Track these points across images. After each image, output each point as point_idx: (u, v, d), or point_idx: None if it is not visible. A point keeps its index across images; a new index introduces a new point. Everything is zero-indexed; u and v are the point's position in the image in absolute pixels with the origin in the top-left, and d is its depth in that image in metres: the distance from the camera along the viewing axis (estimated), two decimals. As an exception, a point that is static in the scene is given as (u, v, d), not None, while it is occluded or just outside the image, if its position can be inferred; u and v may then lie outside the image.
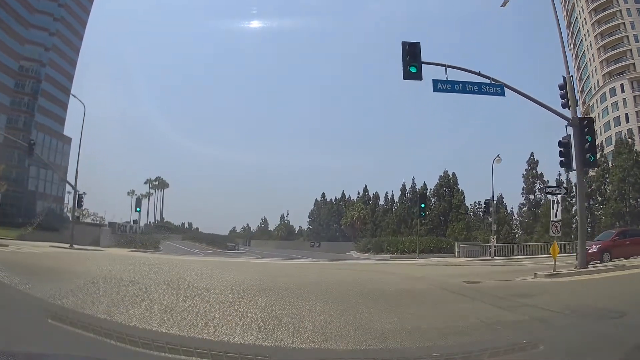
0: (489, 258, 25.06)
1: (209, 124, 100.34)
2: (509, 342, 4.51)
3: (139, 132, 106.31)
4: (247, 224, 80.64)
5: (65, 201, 58.70)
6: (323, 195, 72.07)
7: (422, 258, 25.28)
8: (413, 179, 63.03)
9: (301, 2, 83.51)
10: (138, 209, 27.69)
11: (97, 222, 58.20)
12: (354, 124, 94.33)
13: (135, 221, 33.01)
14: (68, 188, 61.04)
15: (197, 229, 71.40)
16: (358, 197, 67.13)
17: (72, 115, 56.10)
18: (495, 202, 28.70)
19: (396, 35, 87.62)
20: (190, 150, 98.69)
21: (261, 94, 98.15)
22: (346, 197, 69.51)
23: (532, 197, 47.93)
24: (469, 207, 67.42)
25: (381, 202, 65.85)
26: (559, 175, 47.89)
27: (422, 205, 28.74)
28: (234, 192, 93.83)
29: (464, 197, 64.41)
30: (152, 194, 75.84)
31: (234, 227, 79.36)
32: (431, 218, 65.34)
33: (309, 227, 71.61)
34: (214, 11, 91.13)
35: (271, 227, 78.71)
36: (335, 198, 70.20)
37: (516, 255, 27.29)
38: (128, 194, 78.12)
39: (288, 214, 75.74)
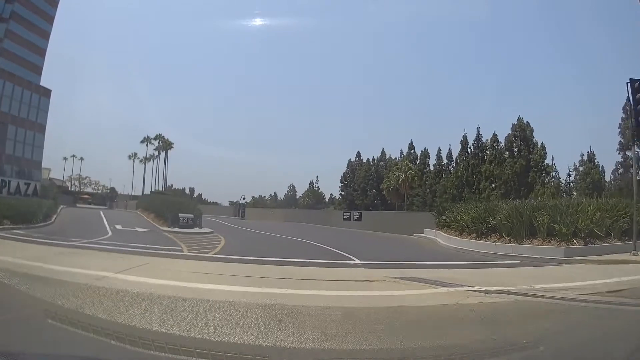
0: None
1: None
2: (509, 342, 4.54)
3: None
4: (275, 192, 70.39)
5: (44, 165, 48.25)
6: (358, 154, 58.65)
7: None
8: (478, 128, 48.22)
9: (304, 1, 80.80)
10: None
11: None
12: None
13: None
14: (47, 151, 50.50)
15: (201, 195, 60.62)
16: (401, 156, 52.09)
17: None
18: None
19: (399, 34, 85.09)
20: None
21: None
22: (387, 156, 54.71)
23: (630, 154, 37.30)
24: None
25: (432, 160, 50.77)
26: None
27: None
28: (258, 158, 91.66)
29: (545, 152, 47.68)
30: (156, 156, 65.05)
31: (260, 195, 68.90)
32: (504, 179, 48.82)
33: (340, 194, 57.95)
34: (213, 10, 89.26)
35: (300, 194, 72.42)
36: (374, 158, 56.12)
37: None
38: (129, 157, 68.96)
39: (318, 180, 63.24)
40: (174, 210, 22.53)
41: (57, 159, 74.80)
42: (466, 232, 17.93)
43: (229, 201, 58.58)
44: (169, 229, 20.60)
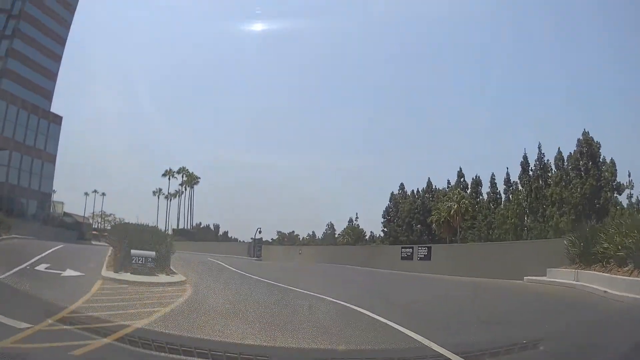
0: None
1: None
2: (509, 342, 4.22)
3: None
4: (313, 231, 70.99)
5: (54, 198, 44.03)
6: (402, 186, 54.80)
7: None
8: (539, 147, 42.62)
9: (306, 2, 79.84)
10: None
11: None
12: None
13: None
14: (57, 183, 46.35)
15: (227, 232, 56.35)
16: (449, 186, 47.13)
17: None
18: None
19: (402, 34, 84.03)
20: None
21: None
22: (433, 187, 49.92)
23: None
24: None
25: (484, 188, 45.49)
26: None
27: None
28: (293, 196, 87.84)
29: (616, 169, 41.96)
30: (182, 192, 68.97)
31: (293, 231, 69.11)
32: (573, 203, 42.67)
33: (383, 230, 53.37)
34: (214, 11, 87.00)
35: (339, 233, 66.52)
36: (418, 190, 51.43)
37: None
38: (154, 193, 65.78)
39: (357, 217, 63.07)
40: (130, 245, 15.19)
41: (78, 194, 71.07)
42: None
43: (251, 238, 49.35)
44: (113, 275, 13.27)
